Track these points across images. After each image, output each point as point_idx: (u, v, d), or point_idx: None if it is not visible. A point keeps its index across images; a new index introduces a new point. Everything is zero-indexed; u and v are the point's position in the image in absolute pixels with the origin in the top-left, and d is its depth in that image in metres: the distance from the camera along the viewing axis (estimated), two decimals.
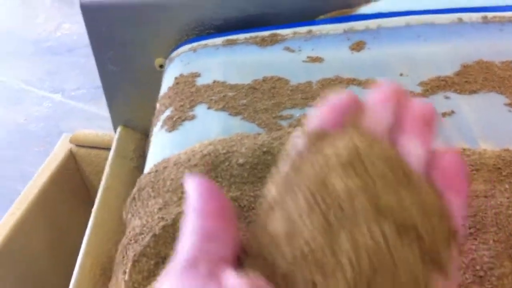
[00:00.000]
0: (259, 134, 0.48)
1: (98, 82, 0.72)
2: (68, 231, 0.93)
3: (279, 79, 0.54)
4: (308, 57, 0.57)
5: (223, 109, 0.52)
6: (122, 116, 0.75)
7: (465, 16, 0.60)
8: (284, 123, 0.50)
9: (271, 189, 0.25)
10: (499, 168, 0.45)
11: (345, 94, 0.26)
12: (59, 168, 0.88)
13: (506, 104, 0.51)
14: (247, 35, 0.60)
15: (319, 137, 0.25)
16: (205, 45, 0.61)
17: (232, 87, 0.54)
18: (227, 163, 0.44)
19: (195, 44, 0.62)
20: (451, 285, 0.23)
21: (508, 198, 0.43)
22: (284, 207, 0.24)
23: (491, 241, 0.40)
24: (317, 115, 0.26)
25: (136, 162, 0.75)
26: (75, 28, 2.36)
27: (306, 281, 0.21)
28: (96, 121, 1.89)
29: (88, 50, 0.70)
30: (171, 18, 0.63)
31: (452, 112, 0.51)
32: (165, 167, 0.47)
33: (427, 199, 0.24)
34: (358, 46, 0.58)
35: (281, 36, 0.60)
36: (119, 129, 0.76)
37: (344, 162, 0.24)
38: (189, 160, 0.45)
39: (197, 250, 0.22)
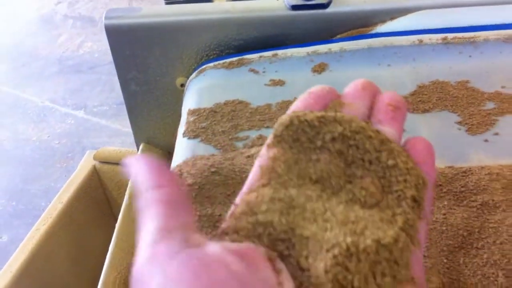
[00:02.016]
0: (213, 155, 0.50)
1: (119, 98, 0.74)
2: (92, 246, 0.95)
3: (240, 102, 0.56)
4: (270, 80, 0.59)
5: (183, 135, 0.54)
6: (145, 134, 0.77)
7: (425, 37, 0.61)
8: (239, 144, 0.52)
9: (257, 169, 0.27)
10: (440, 185, 0.47)
11: (325, 86, 0.31)
12: (83, 184, 0.91)
13: (456, 122, 0.53)
14: (216, 62, 0.63)
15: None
16: (188, 84, 0.65)
17: (194, 111, 0.56)
18: None
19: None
20: None
21: (444, 215, 0.45)
22: (274, 182, 0.25)
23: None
24: (301, 100, 0.30)
25: None
26: (97, 46, 2.44)
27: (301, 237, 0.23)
28: (117, 137, 1.94)
29: (110, 67, 0.73)
30: (192, 39, 0.65)
31: (404, 130, 0.52)
32: None
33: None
34: (320, 68, 0.60)
35: (247, 60, 0.62)
36: (141, 147, 0.78)
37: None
38: None
39: (167, 218, 0.21)
